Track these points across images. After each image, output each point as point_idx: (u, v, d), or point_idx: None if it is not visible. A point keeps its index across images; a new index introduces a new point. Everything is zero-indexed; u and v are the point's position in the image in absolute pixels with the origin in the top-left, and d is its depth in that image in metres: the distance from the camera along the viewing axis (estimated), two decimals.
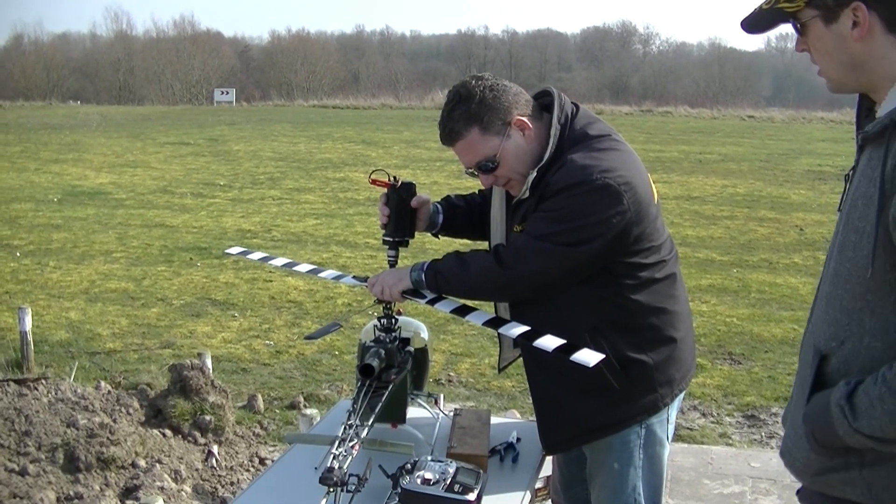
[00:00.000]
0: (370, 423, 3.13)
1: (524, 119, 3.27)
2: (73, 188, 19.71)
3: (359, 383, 3.36)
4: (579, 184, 3.11)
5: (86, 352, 9.06)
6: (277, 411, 7.55)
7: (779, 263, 13.00)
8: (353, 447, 2.96)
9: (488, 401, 7.68)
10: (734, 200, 18.37)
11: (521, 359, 3.57)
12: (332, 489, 2.78)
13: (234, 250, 4.45)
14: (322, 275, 3.97)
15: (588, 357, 2.92)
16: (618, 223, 3.12)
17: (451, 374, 8.40)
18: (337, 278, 3.92)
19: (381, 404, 3.26)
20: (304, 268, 4.05)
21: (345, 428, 3.06)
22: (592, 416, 3.35)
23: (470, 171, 3.40)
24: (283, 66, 73.37)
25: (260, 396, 7.66)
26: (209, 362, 7.35)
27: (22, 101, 53.14)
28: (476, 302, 3.47)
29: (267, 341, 9.42)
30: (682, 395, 3.57)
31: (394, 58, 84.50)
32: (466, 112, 3.26)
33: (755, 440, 7.00)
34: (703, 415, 7.52)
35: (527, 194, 3.30)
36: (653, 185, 3.34)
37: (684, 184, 20.09)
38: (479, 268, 3.34)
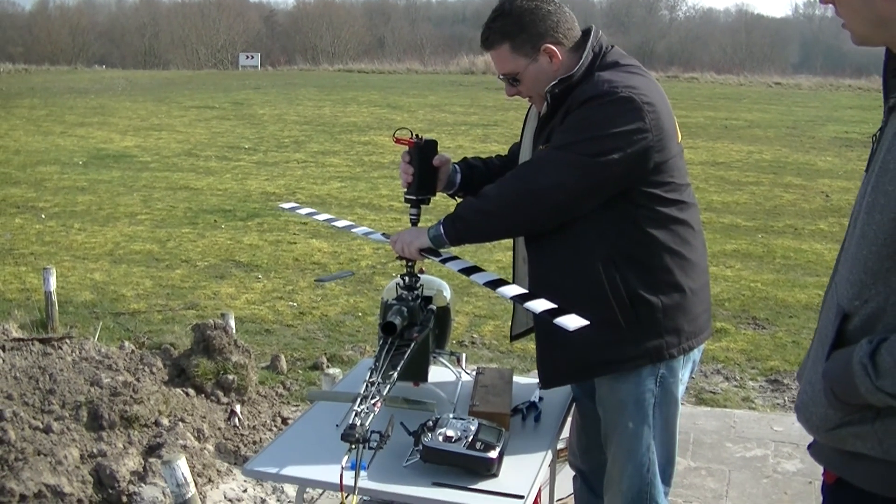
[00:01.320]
0: (392, 380, 3.13)
1: (554, 48, 3.36)
2: (99, 151, 19.74)
3: (381, 341, 3.37)
4: (602, 95, 3.19)
5: (110, 312, 9.09)
6: (300, 372, 7.56)
7: (804, 229, 12.93)
8: (374, 404, 2.96)
9: (511, 363, 7.67)
10: (760, 166, 18.26)
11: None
12: (353, 446, 2.78)
13: (287, 205, 4.58)
14: (356, 230, 4.04)
15: (571, 321, 2.92)
16: (638, 141, 3.16)
17: (475, 335, 8.40)
18: (367, 234, 3.96)
19: (403, 362, 3.25)
20: (341, 223, 4.14)
21: (367, 385, 3.06)
22: (594, 351, 3.34)
23: (500, 77, 3.54)
24: (309, 31, 73.20)
25: (283, 357, 7.67)
26: (232, 323, 7.36)
27: (48, 65, 53.30)
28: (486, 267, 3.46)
29: (290, 302, 9.43)
30: (695, 356, 3.56)
31: (419, 23, 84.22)
32: (503, 27, 3.41)
33: (778, 404, 6.97)
34: (727, 378, 7.49)
35: (546, 108, 3.40)
36: (677, 125, 3.38)
37: (710, 149, 19.97)
38: (497, 191, 3.38)
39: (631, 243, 3.31)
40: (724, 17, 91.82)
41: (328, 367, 7.49)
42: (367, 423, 2.84)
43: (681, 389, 3.52)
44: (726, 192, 15.27)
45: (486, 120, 25.56)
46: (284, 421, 6.50)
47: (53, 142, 21.12)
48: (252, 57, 55.58)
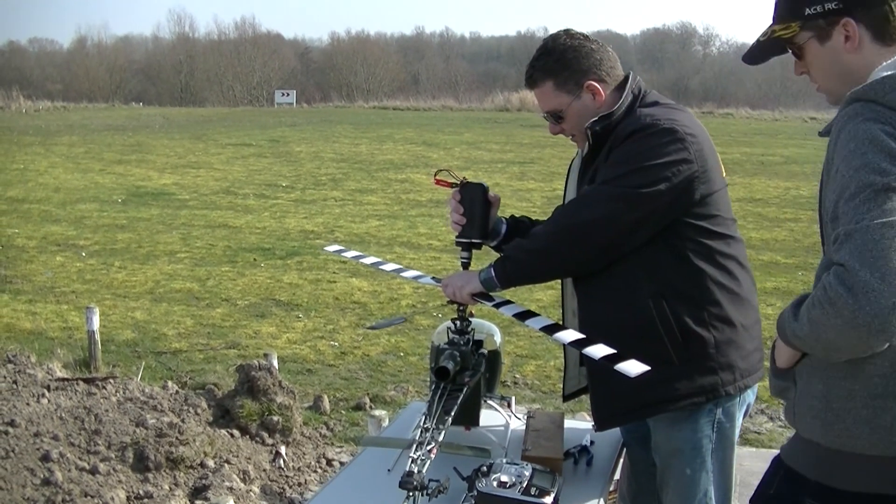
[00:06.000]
0: (447, 426, 3.12)
1: (597, 85, 3.40)
2: (137, 189, 19.92)
3: (433, 386, 3.35)
4: (645, 127, 3.22)
5: (152, 351, 9.13)
6: (343, 412, 7.56)
7: None
8: (430, 451, 2.95)
9: (554, 403, 7.65)
10: (798, 203, 18.20)
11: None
12: (411, 493, 2.77)
13: (332, 248, 4.60)
14: (405, 274, 4.02)
15: (632, 367, 2.88)
16: (683, 171, 3.17)
17: (517, 375, 8.38)
18: (417, 278, 3.95)
19: (456, 407, 3.24)
20: (389, 267, 4.13)
21: (421, 431, 3.05)
22: (648, 390, 3.26)
23: (544, 115, 3.56)
24: (343, 67, 73.57)
25: (326, 397, 7.67)
26: (275, 363, 7.37)
27: (85, 102, 53.86)
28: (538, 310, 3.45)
29: (332, 342, 9.44)
30: (749, 398, 3.53)
31: (453, 59, 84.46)
32: (546, 65, 3.44)
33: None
34: (771, 419, 7.45)
35: (588, 148, 3.43)
36: (720, 161, 3.40)
37: (747, 186, 19.93)
38: (547, 229, 3.41)
39: (680, 277, 3.29)
40: None
41: (371, 407, 7.50)
42: (424, 470, 2.83)
43: (736, 433, 3.50)
44: (765, 228, 15.21)
45: (523, 157, 25.62)
46: (329, 462, 6.50)
47: (92, 179, 21.32)
48: (288, 94, 56.04)
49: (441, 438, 3.05)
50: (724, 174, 3.42)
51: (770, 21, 2.59)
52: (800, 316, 2.30)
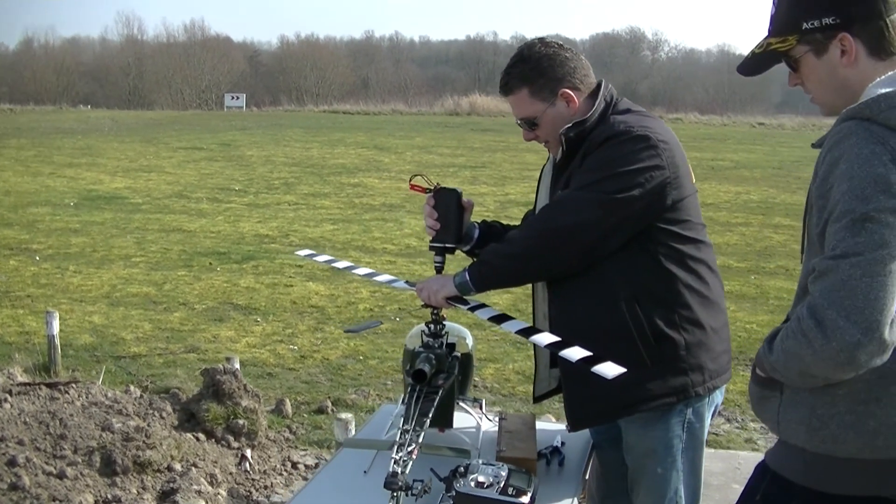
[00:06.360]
0: (426, 427, 3.18)
1: (571, 93, 3.48)
2: (89, 192, 19.82)
3: (409, 388, 3.41)
4: (619, 134, 3.30)
5: (111, 356, 9.11)
6: (306, 416, 7.59)
7: (796, 270, 12.93)
8: (411, 452, 3.01)
9: (514, 406, 7.72)
10: (748, 207, 18.42)
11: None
12: (395, 493, 2.83)
13: (304, 252, 4.65)
14: (379, 278, 4.09)
15: (609, 369, 2.95)
16: (656, 177, 3.26)
17: (476, 378, 8.43)
18: (391, 282, 4.00)
19: (433, 409, 3.30)
20: (362, 271, 4.19)
21: (401, 433, 3.11)
22: (621, 391, 3.29)
23: (518, 122, 3.63)
24: (293, 71, 73.42)
25: (288, 401, 7.70)
26: (237, 366, 7.39)
27: (32, 104, 53.36)
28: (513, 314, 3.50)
29: (291, 346, 9.46)
30: (717, 399, 3.61)
31: (403, 63, 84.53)
32: (522, 72, 3.52)
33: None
34: (728, 420, 7.56)
35: (562, 154, 3.49)
36: (690, 168, 3.50)
37: (698, 190, 20.04)
38: (522, 234, 3.48)
39: (653, 281, 3.37)
40: (706, 58, 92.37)
41: (333, 411, 7.53)
42: (407, 471, 2.89)
43: (705, 433, 3.58)
44: (716, 233, 15.34)
45: (475, 162, 25.71)
46: (294, 465, 6.53)
47: (43, 183, 21.19)
48: (237, 97, 55.87)
49: (420, 440, 3.11)
50: (694, 180, 3.50)
51: (766, 33, 2.64)
52: (774, 347, 2.43)
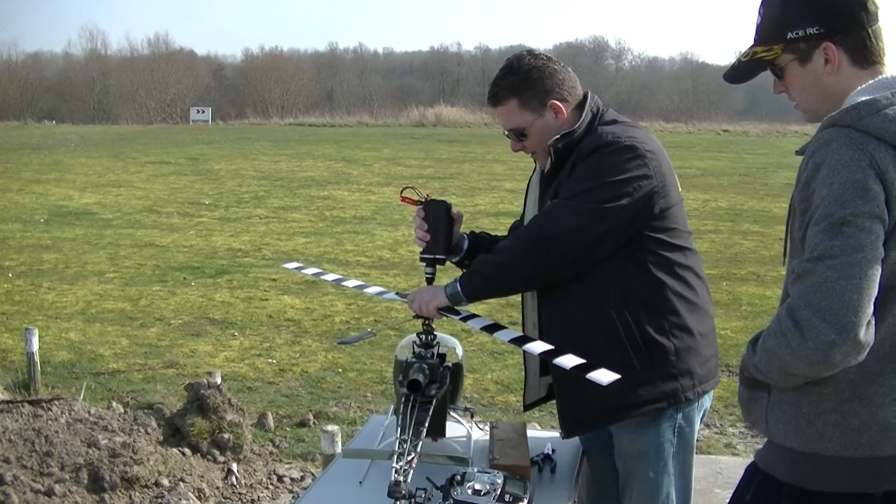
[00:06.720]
0: (421, 437, 3.23)
1: (559, 104, 3.53)
2: (59, 208, 19.77)
3: (403, 399, 3.45)
4: (607, 144, 3.36)
5: (90, 372, 9.09)
6: (288, 429, 7.62)
7: (766, 276, 13.17)
8: (411, 461, 3.06)
9: (495, 415, 7.77)
10: (717, 214, 18.57)
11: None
12: (398, 502, 2.88)
13: (291, 265, 4.68)
14: (368, 290, 4.11)
15: (603, 376, 2.99)
16: (644, 186, 3.32)
17: None
18: (381, 294, 4.04)
19: (428, 418, 3.35)
20: (351, 283, 4.22)
21: (399, 442, 3.16)
22: (613, 396, 3.31)
23: (506, 133, 3.68)
24: (258, 84, 73.35)
25: (270, 414, 7.73)
26: (219, 381, 7.42)
27: None
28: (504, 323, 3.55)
29: (269, 359, 9.49)
30: (706, 403, 3.67)
31: (368, 75, 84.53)
32: (511, 83, 3.57)
33: (759, 449, 7.12)
34: (707, 426, 7.64)
35: (550, 164, 3.55)
36: (677, 178, 3.54)
37: (683, 199, 20.18)
38: (512, 244, 3.52)
39: (642, 288, 3.43)
40: (669, 66, 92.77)
41: (315, 424, 7.58)
42: (409, 480, 2.94)
43: (695, 436, 3.65)
44: None
45: (443, 173, 25.79)
46: (280, 479, 6.56)
47: (12, 199, 21.10)
48: (203, 111, 55.81)
49: (419, 449, 3.16)
50: (680, 189, 3.57)
51: (751, 42, 2.71)
52: (757, 348, 2.54)
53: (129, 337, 10.31)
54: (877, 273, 2.31)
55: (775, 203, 19.85)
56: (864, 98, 2.43)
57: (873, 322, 2.32)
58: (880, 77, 2.52)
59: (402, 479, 2.93)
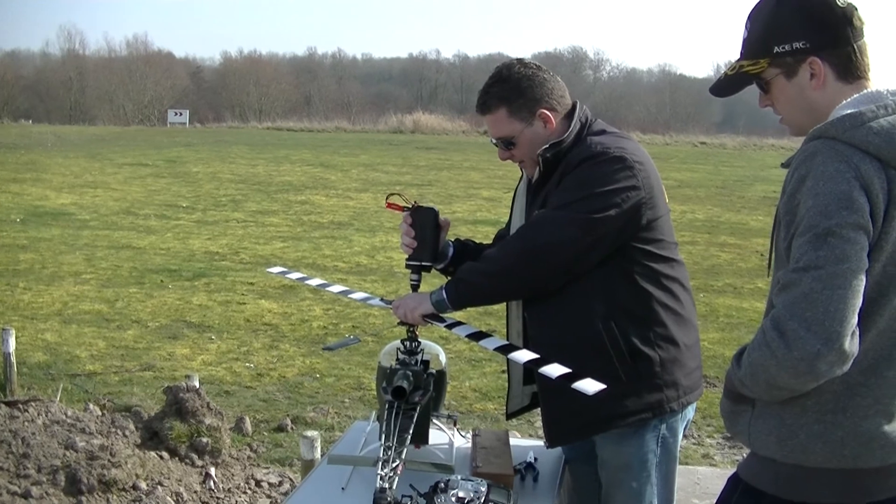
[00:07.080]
0: (405, 444, 3.22)
1: (549, 113, 3.53)
2: (35, 208, 19.69)
3: (387, 405, 3.45)
4: (596, 155, 3.36)
5: (66, 374, 9.04)
6: (266, 434, 7.59)
7: (743, 288, 13.24)
8: (397, 468, 3.06)
9: (473, 423, 7.75)
10: (694, 226, 18.65)
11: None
12: None
13: (276, 270, 4.67)
14: (353, 296, 4.10)
15: (589, 386, 2.99)
16: (632, 197, 3.32)
17: None
18: (366, 300, 4.03)
19: (412, 425, 3.35)
20: (336, 288, 4.19)
21: (384, 449, 3.16)
22: (598, 406, 3.30)
23: (494, 142, 3.68)
24: (236, 87, 73.27)
25: (247, 419, 7.71)
26: (197, 384, 7.39)
27: None
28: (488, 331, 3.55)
29: (247, 363, 9.46)
30: (689, 414, 3.69)
31: (346, 80, 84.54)
32: (501, 92, 3.55)
33: (737, 460, 7.14)
34: (686, 436, 7.64)
35: (538, 174, 3.56)
36: (664, 189, 3.56)
37: (671, 210, 20.25)
38: (500, 253, 3.52)
39: (628, 299, 3.44)
40: (647, 77, 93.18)
41: (293, 429, 7.57)
42: (394, 486, 2.94)
43: (678, 447, 3.66)
44: None
45: (420, 180, 25.82)
46: (258, 483, 6.54)
47: None
48: (181, 114, 55.64)
49: (404, 456, 3.16)
50: (668, 200, 3.58)
51: (738, 55, 2.73)
52: (742, 362, 2.53)
53: (106, 339, 10.26)
54: (861, 284, 2.33)
55: (752, 216, 19.95)
56: (849, 111, 2.46)
57: (857, 333, 2.33)
58: (865, 91, 2.55)
59: (387, 486, 2.93)
